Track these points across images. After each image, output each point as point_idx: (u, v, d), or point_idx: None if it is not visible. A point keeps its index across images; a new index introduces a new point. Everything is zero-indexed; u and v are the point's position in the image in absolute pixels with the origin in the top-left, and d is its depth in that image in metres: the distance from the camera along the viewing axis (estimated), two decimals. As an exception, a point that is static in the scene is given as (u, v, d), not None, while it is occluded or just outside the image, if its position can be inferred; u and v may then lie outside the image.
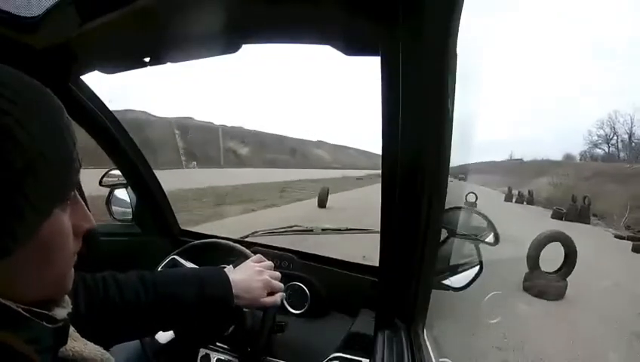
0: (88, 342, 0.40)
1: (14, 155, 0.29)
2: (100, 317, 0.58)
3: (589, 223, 10.35)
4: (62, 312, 0.37)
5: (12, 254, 0.31)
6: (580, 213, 10.45)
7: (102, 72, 0.90)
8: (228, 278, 0.70)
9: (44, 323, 0.33)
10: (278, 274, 0.80)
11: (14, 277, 0.32)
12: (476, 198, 8.37)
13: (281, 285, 0.80)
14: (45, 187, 0.32)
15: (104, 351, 0.41)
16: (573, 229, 6.59)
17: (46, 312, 0.34)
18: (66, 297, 0.39)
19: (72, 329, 0.39)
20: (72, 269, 0.38)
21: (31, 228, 0.32)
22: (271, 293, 0.77)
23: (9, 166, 0.29)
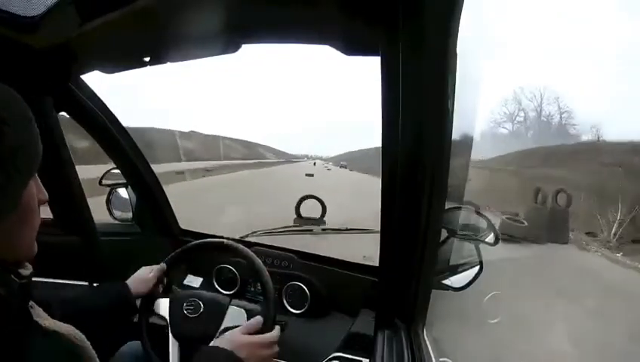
0: (62, 323, 0.45)
1: (2, 147, 0.38)
2: None
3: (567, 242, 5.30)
4: (26, 271, 0.44)
5: (2, 221, 0.39)
6: (553, 223, 5.28)
7: (102, 71, 0.90)
8: (124, 283, 0.86)
9: (13, 276, 0.41)
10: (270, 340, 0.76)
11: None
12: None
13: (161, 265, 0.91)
14: (23, 166, 0.41)
15: (76, 330, 0.45)
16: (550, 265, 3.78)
17: (14, 268, 0.42)
18: (28, 263, 0.46)
19: (42, 310, 0.45)
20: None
21: (15, 196, 0.40)
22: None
23: None
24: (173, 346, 0.86)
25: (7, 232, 0.40)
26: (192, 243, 0.98)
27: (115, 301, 0.83)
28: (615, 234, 5.56)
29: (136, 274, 0.89)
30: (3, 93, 0.41)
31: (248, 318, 0.91)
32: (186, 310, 0.86)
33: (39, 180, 0.46)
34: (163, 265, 0.92)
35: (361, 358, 0.82)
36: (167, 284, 0.94)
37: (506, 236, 4.29)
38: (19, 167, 0.40)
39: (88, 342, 0.46)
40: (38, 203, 0.45)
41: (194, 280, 1.26)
